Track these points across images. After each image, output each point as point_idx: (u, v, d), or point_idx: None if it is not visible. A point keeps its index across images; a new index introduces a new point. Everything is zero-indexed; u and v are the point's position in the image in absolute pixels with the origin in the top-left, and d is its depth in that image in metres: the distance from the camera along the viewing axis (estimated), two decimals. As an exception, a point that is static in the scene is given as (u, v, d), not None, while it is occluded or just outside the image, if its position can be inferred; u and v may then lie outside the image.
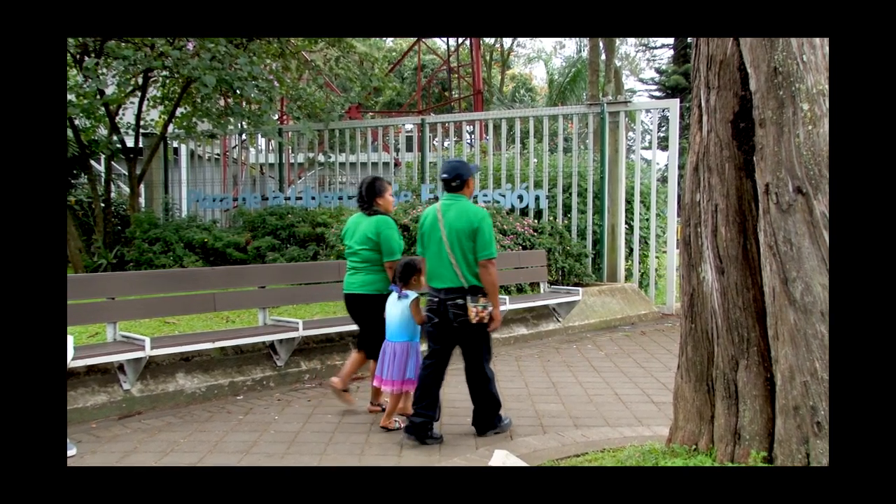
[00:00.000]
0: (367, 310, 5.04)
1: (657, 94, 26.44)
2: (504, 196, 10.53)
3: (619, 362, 6.93)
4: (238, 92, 10.19)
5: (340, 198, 11.93)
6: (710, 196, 3.31)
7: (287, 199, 12.26)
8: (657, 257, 10.59)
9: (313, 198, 12.11)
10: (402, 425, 4.68)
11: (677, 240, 9.63)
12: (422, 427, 4.47)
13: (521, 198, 10.43)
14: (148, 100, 11.77)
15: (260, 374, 5.93)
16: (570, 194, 10.32)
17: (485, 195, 10.62)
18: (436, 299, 4.53)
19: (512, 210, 10.53)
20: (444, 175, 4.60)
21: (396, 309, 4.73)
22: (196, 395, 5.51)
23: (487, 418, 4.66)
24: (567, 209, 10.40)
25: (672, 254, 9.79)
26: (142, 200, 13.12)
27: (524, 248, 9.44)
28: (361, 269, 5.02)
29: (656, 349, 7.60)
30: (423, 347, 4.72)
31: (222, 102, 12.04)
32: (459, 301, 4.44)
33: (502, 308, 7.16)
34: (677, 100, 10.03)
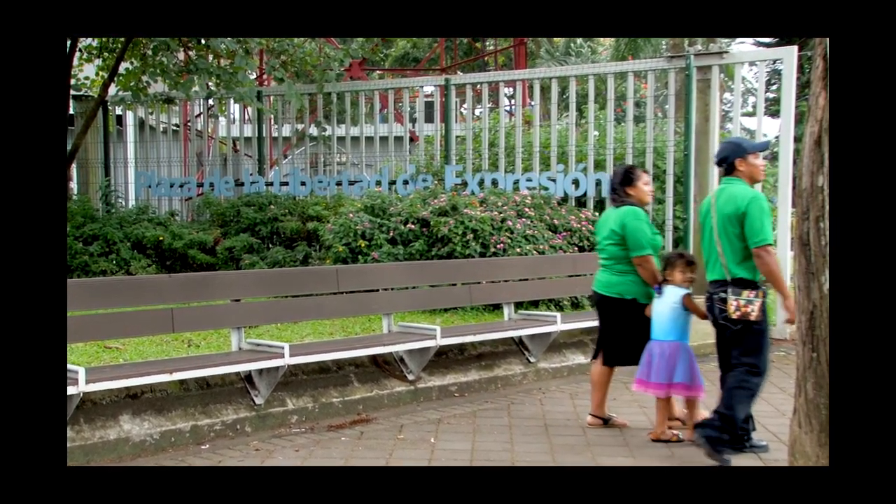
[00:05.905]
0: (607, 313, 5.95)
1: (765, 39, 26.11)
2: (554, 181, 10.49)
3: (712, 403, 6.84)
4: (203, 42, 10.23)
5: (339, 183, 11.97)
6: (839, 179, 3.26)
7: (269, 184, 12.35)
8: (762, 262, 10.46)
9: (303, 183, 12.19)
10: (680, 437, 5.63)
11: (791, 238, 9.52)
12: (715, 439, 5.16)
13: (576, 183, 10.40)
14: (80, 51, 11.87)
15: (232, 415, 5.95)
16: (644, 178, 10.26)
17: (528, 180, 10.60)
18: (708, 293, 5.34)
19: (565, 199, 10.49)
20: (715, 159, 5.57)
21: (662, 305, 5.62)
22: (146, 445, 5.53)
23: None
24: (640, 198, 10.34)
25: (785, 257, 9.65)
26: (73, 185, 13.26)
27: (581, 249, 9.40)
28: (607, 267, 5.93)
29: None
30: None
31: (182, 56, 12.13)
32: (722, 294, 5.19)
33: (552, 328, 7.47)
34: (794, 47, 9.71)
